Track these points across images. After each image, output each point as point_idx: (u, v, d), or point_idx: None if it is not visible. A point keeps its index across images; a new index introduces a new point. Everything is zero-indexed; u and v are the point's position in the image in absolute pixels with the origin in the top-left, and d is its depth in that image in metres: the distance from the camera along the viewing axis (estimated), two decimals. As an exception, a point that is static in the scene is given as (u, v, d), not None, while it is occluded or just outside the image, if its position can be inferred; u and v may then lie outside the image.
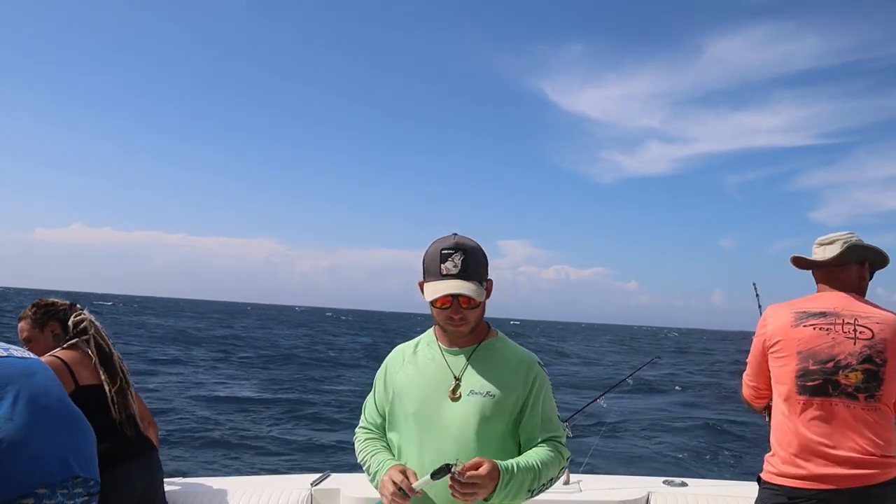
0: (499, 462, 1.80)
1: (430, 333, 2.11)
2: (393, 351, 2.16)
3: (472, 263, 1.91)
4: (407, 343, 2.14)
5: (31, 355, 2.53)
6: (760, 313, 2.69)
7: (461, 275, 1.88)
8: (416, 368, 2.03)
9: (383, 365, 2.14)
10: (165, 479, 3.33)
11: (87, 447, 2.47)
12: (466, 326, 1.96)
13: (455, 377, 1.97)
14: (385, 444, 2.07)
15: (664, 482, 3.39)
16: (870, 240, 2.58)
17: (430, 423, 1.94)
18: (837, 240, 2.53)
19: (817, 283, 2.60)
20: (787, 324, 2.45)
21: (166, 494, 3.23)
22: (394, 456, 2.01)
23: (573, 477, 3.47)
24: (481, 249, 1.97)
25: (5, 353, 2.32)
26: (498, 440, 1.94)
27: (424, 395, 1.97)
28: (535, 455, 1.92)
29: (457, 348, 2.02)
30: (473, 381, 1.96)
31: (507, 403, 1.94)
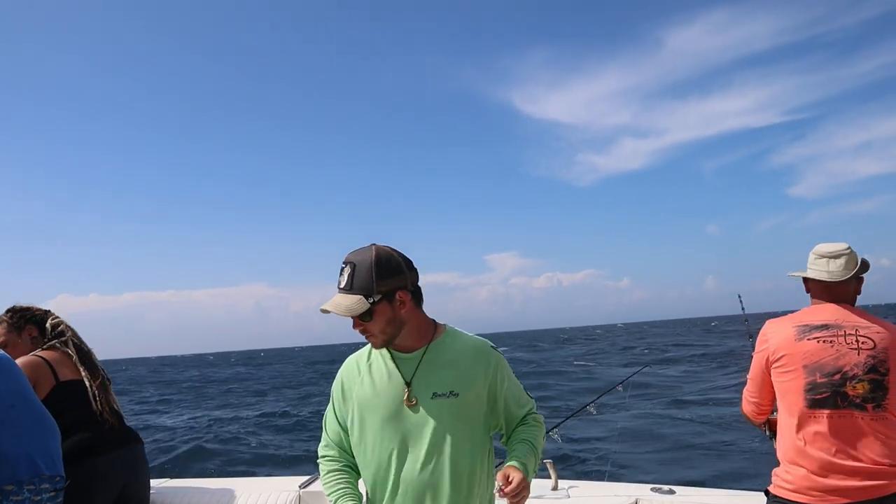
0: (514, 461, 1.91)
1: None
2: (346, 362, 2.10)
3: (358, 276, 1.85)
4: (360, 352, 2.08)
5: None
6: (746, 321, 2.70)
7: (345, 289, 1.85)
8: (370, 379, 1.99)
9: (338, 377, 2.08)
10: (153, 480, 3.32)
11: (53, 445, 2.52)
12: (376, 339, 1.92)
13: (406, 383, 1.93)
14: (349, 477, 2.01)
15: (652, 489, 3.40)
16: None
17: (398, 434, 1.92)
18: (842, 254, 2.52)
19: (813, 294, 2.60)
20: (791, 338, 2.44)
21: (154, 494, 3.22)
22: (355, 492, 1.98)
23: (561, 483, 3.48)
24: (381, 260, 1.87)
25: None
26: (472, 436, 1.95)
27: (385, 406, 1.94)
28: (527, 434, 2.02)
29: (407, 353, 1.97)
30: (433, 382, 1.93)
31: (474, 396, 1.95)
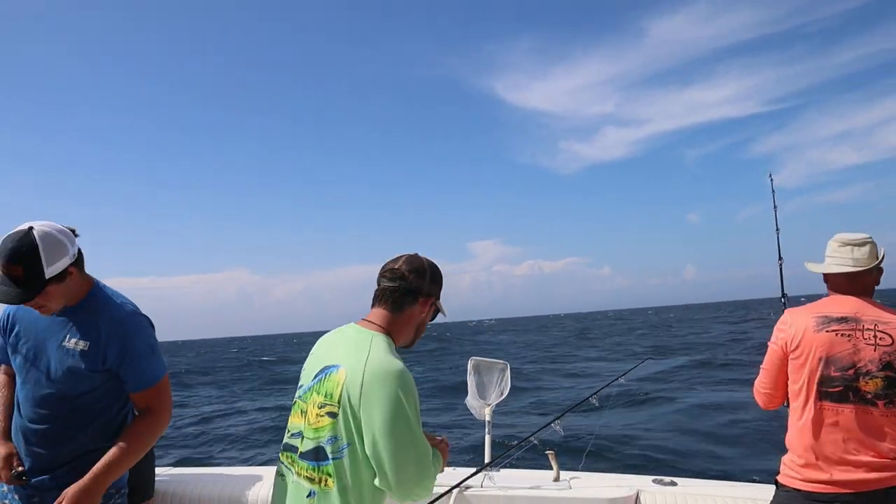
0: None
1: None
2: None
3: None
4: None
5: None
6: (784, 302, 2.69)
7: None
8: None
9: None
10: (160, 469, 3.32)
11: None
12: None
13: None
14: None
15: (654, 481, 3.39)
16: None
17: None
18: (866, 242, 2.52)
19: (832, 286, 2.58)
20: (809, 328, 2.44)
21: (158, 483, 3.22)
22: None
23: (563, 474, 3.47)
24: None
25: None
26: None
27: None
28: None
29: None
30: None
31: None
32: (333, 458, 1.79)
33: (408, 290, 1.97)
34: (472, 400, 3.63)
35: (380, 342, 1.89)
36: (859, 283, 2.51)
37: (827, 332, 2.41)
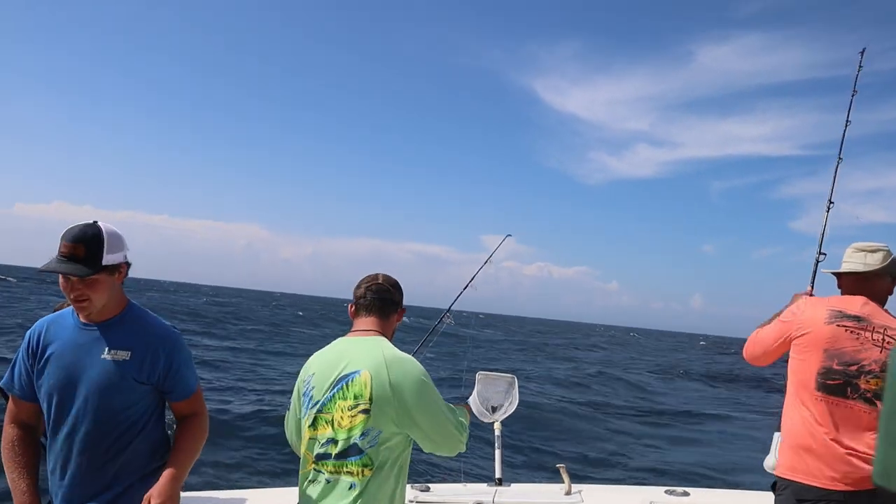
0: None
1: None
2: None
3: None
4: None
5: None
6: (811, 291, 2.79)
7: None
8: None
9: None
10: None
11: None
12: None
13: None
14: None
15: (666, 492, 3.38)
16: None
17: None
18: (880, 249, 2.58)
19: (846, 290, 2.63)
20: (821, 319, 2.49)
21: None
22: None
23: (574, 487, 3.47)
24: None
25: None
26: None
27: None
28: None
29: None
30: None
31: None
32: (369, 448, 2.11)
33: (391, 301, 2.38)
34: (476, 411, 3.63)
35: (385, 342, 2.26)
36: (871, 288, 2.56)
37: (837, 325, 2.45)
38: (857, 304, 2.52)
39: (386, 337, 2.33)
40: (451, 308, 3.74)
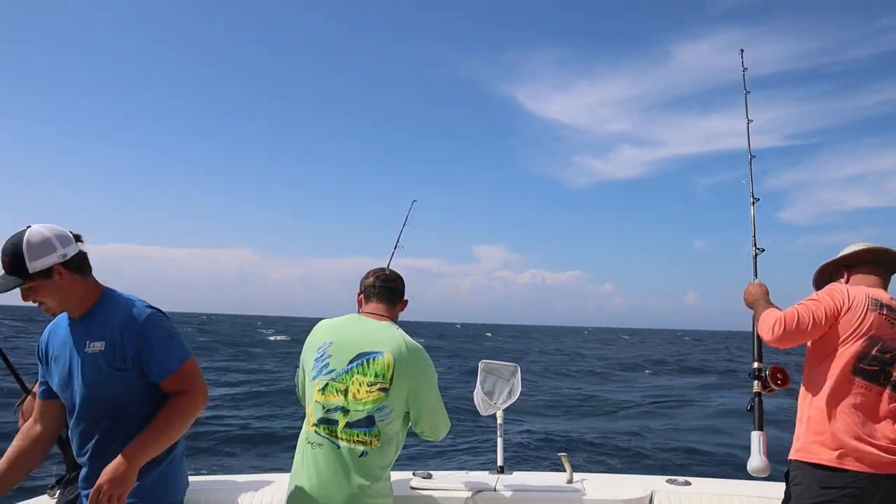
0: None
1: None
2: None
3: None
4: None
5: None
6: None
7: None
8: None
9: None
10: None
11: None
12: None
13: None
14: None
15: (668, 481, 3.37)
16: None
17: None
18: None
19: (858, 281, 2.63)
20: (868, 306, 2.48)
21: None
22: None
23: (576, 476, 3.45)
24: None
25: None
26: None
27: None
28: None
29: None
30: None
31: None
32: (380, 422, 2.39)
33: (397, 291, 2.64)
34: (480, 401, 3.62)
35: (399, 330, 2.50)
36: (886, 280, 2.62)
37: (879, 313, 2.46)
38: (886, 296, 2.55)
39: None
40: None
